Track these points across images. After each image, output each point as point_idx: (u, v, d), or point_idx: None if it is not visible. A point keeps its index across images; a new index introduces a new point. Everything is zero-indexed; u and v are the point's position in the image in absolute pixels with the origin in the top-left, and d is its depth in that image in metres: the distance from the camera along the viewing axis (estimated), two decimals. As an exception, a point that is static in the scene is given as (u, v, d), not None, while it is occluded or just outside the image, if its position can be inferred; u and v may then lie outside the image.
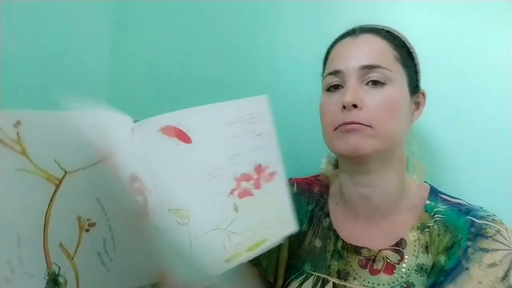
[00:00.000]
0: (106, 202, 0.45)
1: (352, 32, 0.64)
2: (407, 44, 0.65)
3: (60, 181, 0.43)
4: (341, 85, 0.61)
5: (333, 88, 0.62)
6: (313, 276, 0.65)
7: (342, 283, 0.63)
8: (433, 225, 0.61)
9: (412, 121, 0.65)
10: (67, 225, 0.43)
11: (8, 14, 0.73)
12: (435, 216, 0.62)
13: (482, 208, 0.61)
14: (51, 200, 0.42)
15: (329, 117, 0.62)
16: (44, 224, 0.42)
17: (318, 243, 0.68)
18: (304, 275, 0.66)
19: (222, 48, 0.94)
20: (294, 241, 0.70)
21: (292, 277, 0.68)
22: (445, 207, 0.63)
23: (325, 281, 0.64)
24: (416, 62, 0.65)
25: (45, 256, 0.42)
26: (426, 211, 0.64)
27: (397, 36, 0.64)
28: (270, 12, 0.93)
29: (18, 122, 0.41)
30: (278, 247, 0.68)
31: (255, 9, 0.94)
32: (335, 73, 0.62)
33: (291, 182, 0.74)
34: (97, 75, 0.99)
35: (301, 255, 0.69)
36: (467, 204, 0.63)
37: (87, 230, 0.44)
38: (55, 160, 0.43)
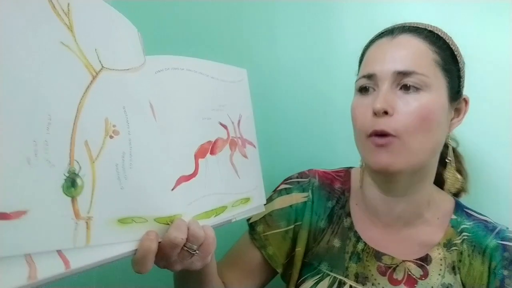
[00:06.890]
0: (131, 113, 0.42)
1: (390, 32, 0.59)
2: (452, 46, 0.59)
3: (97, 74, 0.39)
4: (373, 88, 0.57)
5: (365, 91, 0.58)
6: (329, 277, 0.62)
7: (360, 287, 0.61)
8: (461, 243, 0.61)
9: (450, 130, 0.61)
10: (95, 124, 0.38)
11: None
12: (463, 234, 0.62)
13: (508, 228, 0.62)
14: (86, 90, 0.37)
15: (360, 121, 0.58)
16: (76, 114, 0.36)
17: (336, 242, 0.64)
18: (320, 275, 0.63)
19: (221, 47, 0.88)
20: (311, 237, 0.65)
21: (307, 275, 0.63)
22: (471, 223, 0.62)
23: (341, 283, 0.61)
24: (460, 66, 0.59)
25: (70, 149, 0.36)
26: (452, 226, 0.63)
27: (441, 37, 0.58)
28: (268, 11, 0.91)
29: (71, -6, 0.37)
30: (294, 241, 0.66)
31: (254, 7, 0.91)
32: (369, 76, 0.57)
33: (313, 173, 0.69)
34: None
35: (317, 253, 0.64)
36: (493, 222, 0.63)
37: (111, 137, 0.39)
38: (95, 50, 0.39)
